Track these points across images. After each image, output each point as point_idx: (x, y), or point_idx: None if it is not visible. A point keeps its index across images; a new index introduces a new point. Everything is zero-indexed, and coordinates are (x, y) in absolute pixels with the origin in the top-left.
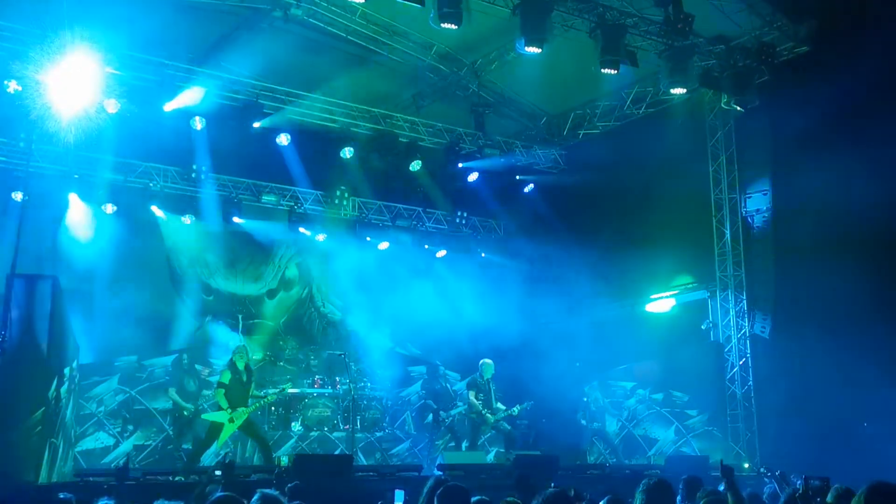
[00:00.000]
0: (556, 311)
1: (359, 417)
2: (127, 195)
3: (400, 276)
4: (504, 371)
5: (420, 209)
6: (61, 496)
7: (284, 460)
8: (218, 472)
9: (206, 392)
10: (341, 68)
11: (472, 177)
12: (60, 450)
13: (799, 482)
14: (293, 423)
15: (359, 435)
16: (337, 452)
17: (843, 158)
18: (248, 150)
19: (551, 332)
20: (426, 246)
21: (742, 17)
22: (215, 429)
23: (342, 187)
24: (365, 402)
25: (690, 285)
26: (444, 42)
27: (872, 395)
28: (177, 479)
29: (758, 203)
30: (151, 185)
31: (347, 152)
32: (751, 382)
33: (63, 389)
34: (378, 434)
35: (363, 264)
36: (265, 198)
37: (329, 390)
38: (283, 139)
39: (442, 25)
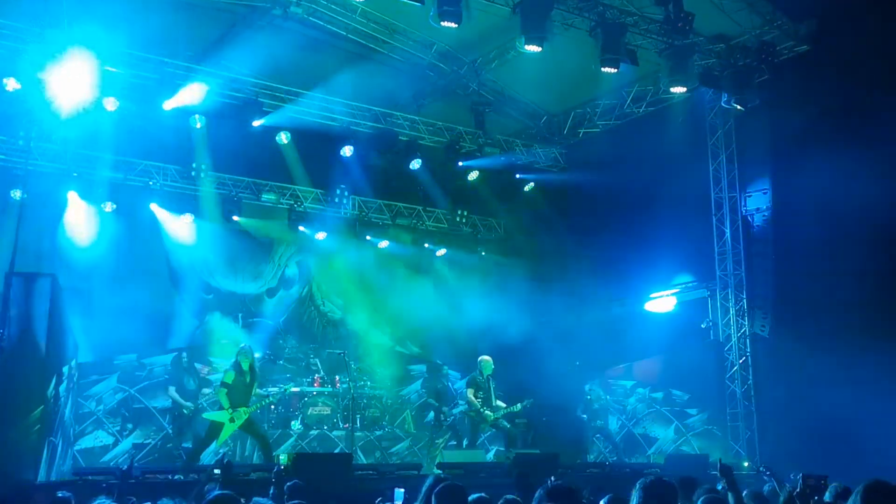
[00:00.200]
0: (556, 309)
1: (358, 416)
2: (126, 193)
3: (400, 275)
4: (504, 369)
5: (420, 208)
6: (60, 495)
7: (284, 459)
8: (217, 471)
9: (205, 390)
10: (341, 67)
11: (473, 175)
12: (59, 448)
13: (797, 480)
14: (293, 422)
15: (358, 433)
16: (336, 451)
17: (843, 157)
18: (247, 149)
19: (551, 331)
20: (426, 244)
21: (742, 16)
22: (215, 428)
23: (342, 186)
24: (365, 401)
25: (690, 284)
26: (445, 40)
27: (872, 393)
28: (176, 477)
29: (758, 202)
30: (151, 183)
31: (347, 151)
32: (750, 381)
33: (62, 388)
34: (378, 432)
35: (363, 263)
36: (265, 196)
37: (329, 389)
38: (283, 137)
39: (442, 24)
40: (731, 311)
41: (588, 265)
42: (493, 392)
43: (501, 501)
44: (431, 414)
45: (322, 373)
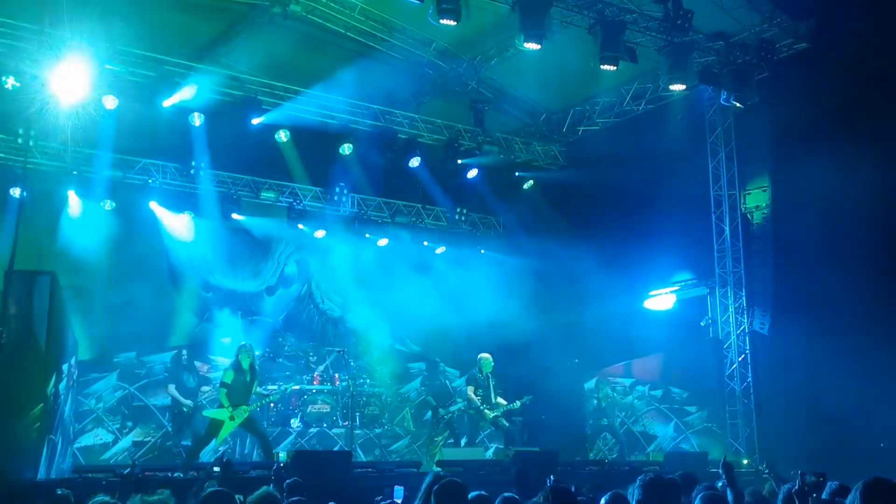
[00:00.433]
0: (556, 307)
1: (358, 414)
2: (125, 192)
3: (399, 273)
4: (503, 367)
5: (419, 206)
6: (59, 492)
7: (283, 456)
8: (217, 469)
9: (205, 388)
10: (340, 64)
11: (472, 173)
12: (59, 446)
13: (795, 477)
14: (292, 420)
15: (358, 431)
16: (336, 449)
17: (843, 155)
18: (246, 147)
19: (551, 329)
20: (425, 242)
21: (742, 14)
22: (215, 426)
23: (341, 184)
24: (364, 399)
25: (690, 282)
26: (444, 38)
27: (872, 390)
28: (176, 475)
29: (757, 199)
30: (150, 181)
31: (346, 149)
32: (750, 379)
33: (62, 386)
34: (377, 430)
35: (362, 261)
36: (264, 194)
37: (328, 387)
38: (282, 135)
39: (441, 22)
40: (731, 309)
41: (587, 263)
42: (493, 390)
43: (500, 499)
44: (430, 412)
45: (321, 370)
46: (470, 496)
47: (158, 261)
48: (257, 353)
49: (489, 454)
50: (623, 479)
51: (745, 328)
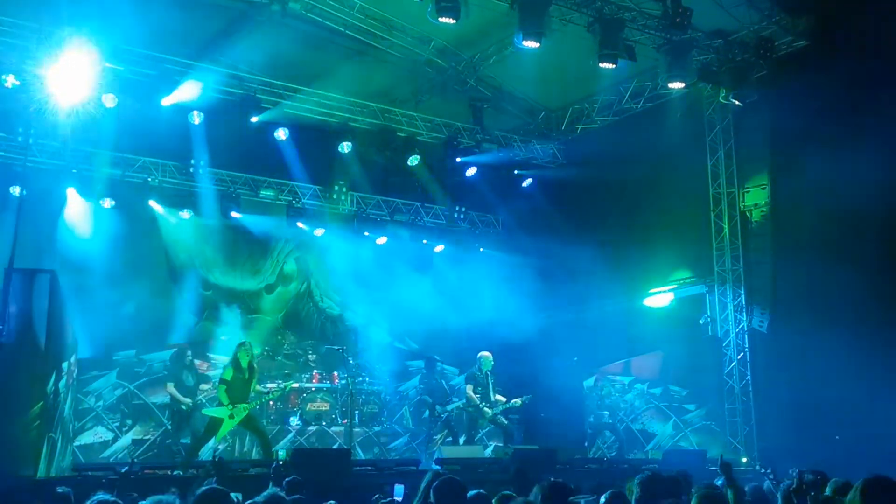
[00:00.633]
0: (555, 305)
1: (357, 412)
2: (125, 190)
3: (398, 271)
4: (502, 365)
5: (418, 204)
6: (59, 490)
7: (282, 454)
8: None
9: (203, 386)
10: (339, 63)
11: (471, 171)
12: (59, 444)
13: (793, 476)
14: (291, 418)
15: (357, 429)
16: (335, 447)
17: (842, 153)
18: (246, 145)
19: (550, 327)
20: (424, 241)
21: (740, 12)
22: (214, 424)
23: (340, 182)
24: (363, 397)
25: (689, 280)
26: (443, 36)
27: (871, 388)
28: (175, 473)
29: (756, 198)
30: (150, 179)
31: (346, 147)
32: (749, 377)
33: (61, 384)
34: (376, 428)
35: (361, 259)
36: (263, 192)
37: (327, 385)
38: (281, 134)
39: (440, 20)
40: (730, 307)
41: (586, 261)
42: (493, 388)
43: (498, 497)
44: (427, 411)
45: (320, 369)
46: (469, 494)
47: (158, 259)
48: (256, 351)
49: (488, 452)
50: (622, 477)
51: (743, 326)
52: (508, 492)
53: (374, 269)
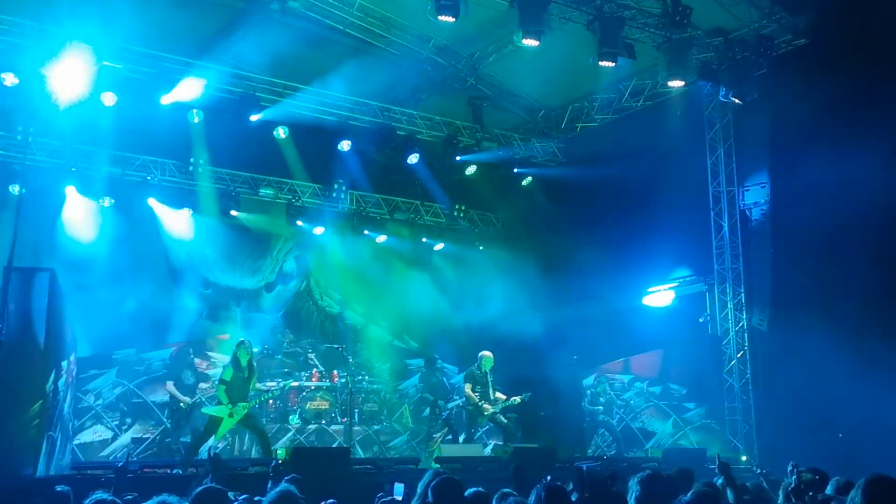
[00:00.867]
0: (555, 303)
1: (357, 410)
2: (125, 188)
3: (398, 270)
4: (501, 364)
5: (418, 202)
6: (58, 489)
7: (282, 453)
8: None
9: (203, 385)
10: (339, 61)
11: (470, 170)
12: (58, 443)
13: (792, 475)
14: (291, 416)
15: (356, 428)
16: (335, 445)
17: (842, 151)
18: (245, 144)
19: (549, 325)
20: (424, 239)
21: (740, 10)
22: (214, 423)
23: (340, 180)
24: (363, 395)
25: (688, 278)
26: (442, 35)
27: (871, 386)
28: (175, 471)
29: (756, 196)
30: (149, 178)
31: (345, 145)
32: (749, 375)
33: (61, 382)
34: (376, 427)
35: (361, 257)
36: (263, 191)
37: (327, 383)
38: (281, 132)
39: (440, 18)
40: (730, 305)
41: (586, 259)
42: (492, 387)
43: (497, 495)
44: (428, 408)
45: (320, 367)
46: (468, 493)
47: (157, 257)
48: (256, 349)
49: (487, 451)
50: (621, 475)
51: (743, 324)
52: (508, 490)
53: (374, 268)
